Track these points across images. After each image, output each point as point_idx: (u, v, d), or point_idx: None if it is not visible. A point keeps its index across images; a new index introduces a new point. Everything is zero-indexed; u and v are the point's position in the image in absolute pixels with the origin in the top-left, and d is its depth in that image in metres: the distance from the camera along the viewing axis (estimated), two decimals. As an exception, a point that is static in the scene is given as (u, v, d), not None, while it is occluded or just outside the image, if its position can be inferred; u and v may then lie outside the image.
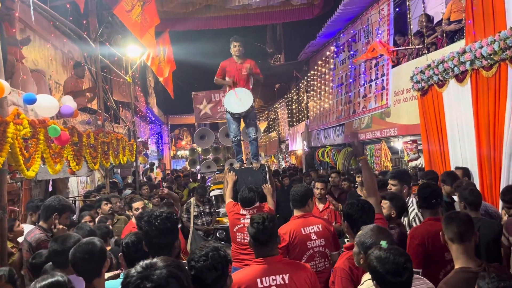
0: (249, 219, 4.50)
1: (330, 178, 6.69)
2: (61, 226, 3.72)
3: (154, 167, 18.81)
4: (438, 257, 3.03)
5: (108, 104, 9.77)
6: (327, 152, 12.36)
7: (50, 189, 8.01)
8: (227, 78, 6.06)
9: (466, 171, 5.26)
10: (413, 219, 3.85)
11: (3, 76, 4.13)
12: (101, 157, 6.97)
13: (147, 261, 1.50)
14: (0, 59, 4.16)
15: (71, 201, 8.38)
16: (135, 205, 4.90)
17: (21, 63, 5.81)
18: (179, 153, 32.47)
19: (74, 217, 6.05)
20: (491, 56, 4.73)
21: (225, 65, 6.08)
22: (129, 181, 12.76)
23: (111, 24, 12.12)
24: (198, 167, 16.53)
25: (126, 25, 7.97)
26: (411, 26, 7.46)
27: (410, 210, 3.93)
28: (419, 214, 3.82)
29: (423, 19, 7.18)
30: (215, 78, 6.18)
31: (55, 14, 6.17)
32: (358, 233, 2.50)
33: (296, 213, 3.76)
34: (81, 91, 7.76)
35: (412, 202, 4.00)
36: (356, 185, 7.61)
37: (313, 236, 3.56)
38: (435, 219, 3.21)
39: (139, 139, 14.14)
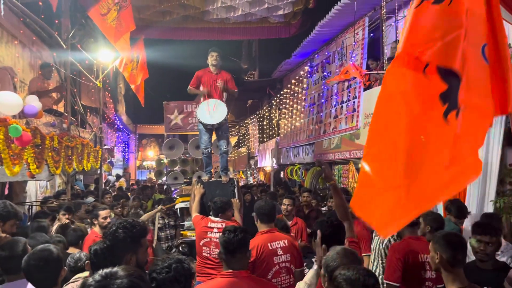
0: (216, 233, 4.46)
1: (302, 197, 6.65)
2: (4, 235, 3.38)
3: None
4: (417, 274, 3.14)
5: (75, 107, 9.48)
6: (296, 170, 12.42)
7: (6, 192, 7.61)
8: (201, 88, 6.00)
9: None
10: (385, 246, 3.80)
11: (-36, 69, 3.92)
12: (64, 162, 6.70)
13: (107, 270, 1.41)
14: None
15: (27, 206, 7.99)
16: (103, 213, 4.66)
17: (-15, 58, 5.55)
18: (145, 163, 31.86)
19: (29, 223, 5.74)
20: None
21: (200, 75, 6.03)
22: (92, 188, 12.34)
23: (84, 27, 11.85)
24: (164, 178, 16.24)
25: (100, 28, 7.82)
26: (385, 51, 7.66)
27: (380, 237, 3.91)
28: (391, 239, 3.79)
29: (396, 45, 7.39)
30: (189, 87, 6.11)
31: (25, 10, 5.95)
32: (326, 255, 2.46)
33: (262, 228, 3.70)
34: (47, 91, 7.49)
35: None
36: (324, 204, 7.65)
37: (279, 251, 3.51)
38: (415, 238, 3.35)
39: (105, 146, 13.78)
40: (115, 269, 1.41)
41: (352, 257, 2.34)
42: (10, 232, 3.52)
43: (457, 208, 4.43)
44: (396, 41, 7.52)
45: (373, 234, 4.09)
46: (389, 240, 3.81)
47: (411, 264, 3.14)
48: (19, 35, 7.91)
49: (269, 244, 3.51)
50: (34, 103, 5.32)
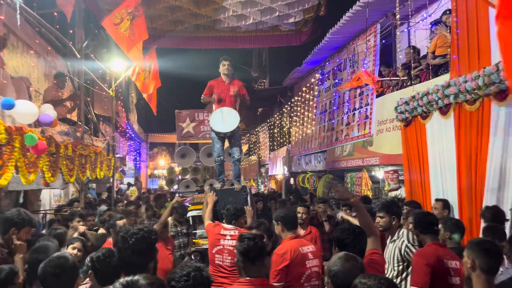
0: (229, 241, 4.43)
1: (317, 207, 6.55)
2: (19, 242, 3.37)
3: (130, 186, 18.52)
4: (443, 280, 3.11)
5: (88, 116, 9.57)
6: (308, 178, 12.34)
7: (21, 200, 7.67)
8: (213, 96, 6.01)
9: (446, 203, 5.27)
10: (405, 252, 3.74)
11: (-19, 78, 3.98)
12: (78, 170, 6.74)
13: (127, 279, 1.39)
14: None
15: (41, 214, 8.05)
16: (120, 223, 4.62)
17: (1, 68, 5.63)
18: (156, 172, 32.00)
19: (44, 231, 5.77)
20: (475, 91, 4.82)
21: (213, 84, 6.05)
22: (104, 197, 12.40)
23: (97, 37, 12.03)
24: (175, 186, 16.26)
25: (113, 38, 7.90)
26: (399, 56, 7.61)
27: (399, 243, 3.82)
28: (409, 246, 3.74)
29: (410, 51, 7.34)
30: (202, 96, 6.12)
31: (41, 20, 6.05)
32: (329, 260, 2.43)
33: (289, 234, 3.70)
34: (61, 100, 7.57)
35: (403, 234, 3.86)
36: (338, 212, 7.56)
37: (310, 256, 3.54)
38: (438, 244, 3.35)
39: (117, 155, 13.86)
40: (136, 277, 1.39)
41: (354, 262, 2.29)
42: (25, 239, 3.53)
43: (492, 214, 4.29)
44: (410, 47, 7.47)
45: (387, 242, 4.03)
46: (407, 246, 3.75)
47: (438, 270, 3.11)
48: (35, 45, 8.03)
49: (300, 249, 3.53)
50: (49, 112, 5.38)
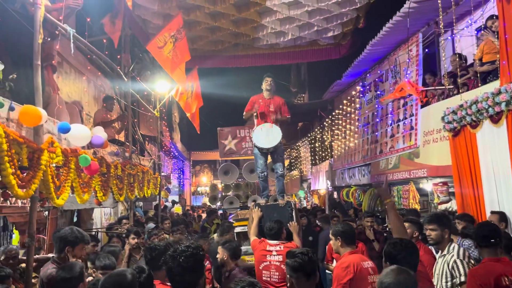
0: (275, 256, 4.43)
1: (365, 222, 6.46)
2: (74, 259, 3.55)
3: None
4: None
5: (135, 137, 9.93)
6: (352, 192, 12.11)
7: (75, 219, 8.03)
8: (255, 112, 6.10)
9: (502, 216, 5.01)
10: (452, 268, 3.56)
11: (41, 104, 4.25)
12: (127, 189, 6.99)
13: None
14: (39, 89, 4.30)
15: (93, 232, 8.37)
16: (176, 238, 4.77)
17: (56, 94, 5.99)
18: (199, 189, 32.52)
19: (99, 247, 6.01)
20: (529, 97, 4.61)
21: (254, 100, 6.16)
22: (150, 215, 12.72)
23: (142, 60, 12.55)
24: (218, 203, 16.43)
25: (158, 60, 8.21)
26: (445, 65, 7.40)
27: (449, 257, 3.63)
28: (457, 261, 3.55)
29: (456, 59, 7.12)
30: (245, 112, 6.24)
31: (93, 48, 6.40)
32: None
33: (348, 249, 3.73)
34: (110, 122, 7.92)
35: (453, 249, 3.68)
36: (384, 226, 7.37)
37: (371, 271, 3.51)
38: (495, 260, 3.12)
39: (163, 174, 14.24)
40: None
41: (406, 275, 2.25)
42: (81, 255, 3.70)
43: None
44: (456, 54, 7.25)
45: (437, 256, 3.87)
46: (455, 261, 3.57)
47: None
48: (86, 71, 8.50)
49: (362, 263, 3.52)
50: (100, 134, 5.64)
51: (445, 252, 3.72)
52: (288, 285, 2.58)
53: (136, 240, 5.31)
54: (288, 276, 2.57)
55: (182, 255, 2.41)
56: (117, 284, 2.46)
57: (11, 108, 3.79)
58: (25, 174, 3.75)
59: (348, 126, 13.28)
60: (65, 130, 4.51)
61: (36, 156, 3.87)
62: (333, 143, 15.35)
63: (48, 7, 4.75)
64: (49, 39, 5.71)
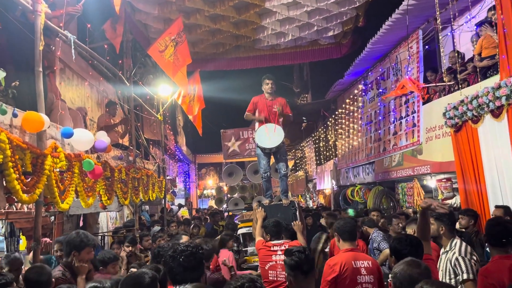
0: (281, 256, 4.44)
1: (372, 216, 6.48)
2: (80, 264, 3.57)
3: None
4: None
5: (139, 141, 9.99)
6: (357, 190, 12.11)
7: (81, 224, 8.09)
8: (257, 114, 6.13)
9: (507, 210, 4.99)
10: (455, 266, 3.53)
11: (43, 110, 4.30)
12: (131, 193, 7.03)
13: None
14: (41, 95, 4.36)
15: (99, 237, 8.43)
16: (185, 239, 4.77)
17: (59, 100, 6.05)
18: (205, 191, 32.58)
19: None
20: (529, 90, 4.61)
21: (256, 101, 6.18)
22: (155, 218, 12.78)
23: (144, 64, 12.64)
24: (224, 205, 16.47)
25: (159, 64, 8.26)
26: (444, 62, 7.40)
27: (451, 254, 3.62)
28: (459, 258, 3.53)
29: (454, 55, 7.12)
30: (246, 113, 6.26)
31: (94, 53, 6.47)
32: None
33: (345, 246, 3.65)
34: (113, 125, 7.97)
35: (455, 245, 3.66)
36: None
37: (363, 271, 3.46)
38: (506, 257, 3.06)
39: (168, 177, 14.29)
40: (187, 286, 1.45)
41: (419, 267, 2.29)
42: (88, 259, 3.72)
43: None
44: (454, 51, 7.25)
45: (440, 253, 3.86)
46: (457, 259, 3.55)
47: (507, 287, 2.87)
48: (88, 76, 8.57)
49: (353, 262, 3.48)
50: (104, 138, 5.69)
51: (447, 248, 3.71)
52: (287, 283, 2.61)
53: (130, 249, 5.34)
54: (286, 274, 2.60)
55: (182, 254, 2.44)
56: (136, 285, 2.42)
57: (14, 115, 3.85)
58: (29, 179, 3.80)
59: (351, 125, 13.28)
60: (68, 135, 4.57)
61: (40, 161, 3.92)
62: (337, 142, 15.35)
63: (48, 14, 4.80)
64: (53, 47, 5.79)
